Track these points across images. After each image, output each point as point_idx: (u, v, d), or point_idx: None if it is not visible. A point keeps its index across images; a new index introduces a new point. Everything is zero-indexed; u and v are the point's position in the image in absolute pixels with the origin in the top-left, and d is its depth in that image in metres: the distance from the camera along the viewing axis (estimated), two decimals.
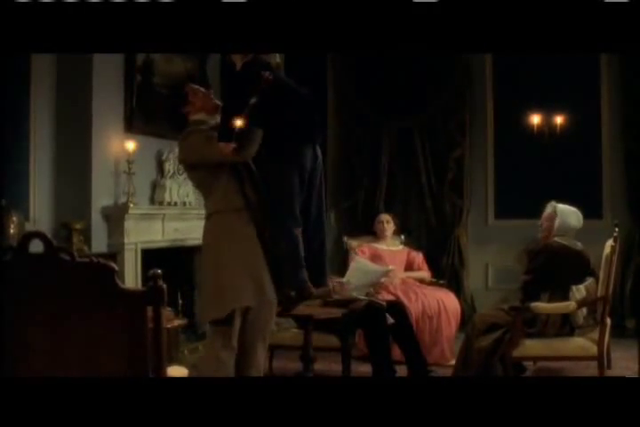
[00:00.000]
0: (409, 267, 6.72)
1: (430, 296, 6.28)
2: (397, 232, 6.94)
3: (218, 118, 4.21)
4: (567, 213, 5.26)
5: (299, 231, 4.15)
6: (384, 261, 6.44)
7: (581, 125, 7.46)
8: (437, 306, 6.24)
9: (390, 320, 5.34)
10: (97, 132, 6.12)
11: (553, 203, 5.35)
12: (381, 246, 6.70)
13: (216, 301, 4.07)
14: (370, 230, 6.98)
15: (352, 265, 5.74)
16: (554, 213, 5.23)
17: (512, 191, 7.79)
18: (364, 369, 5.47)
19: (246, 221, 4.09)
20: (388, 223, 6.77)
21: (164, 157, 6.89)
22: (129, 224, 6.28)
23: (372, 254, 6.57)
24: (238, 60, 4.15)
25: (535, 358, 5.20)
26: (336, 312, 5.04)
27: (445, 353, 6.14)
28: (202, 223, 4.25)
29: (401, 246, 6.89)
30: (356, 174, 8.06)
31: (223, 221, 4.10)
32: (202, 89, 4.38)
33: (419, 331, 5.86)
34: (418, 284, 6.56)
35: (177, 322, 5.82)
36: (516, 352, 4.76)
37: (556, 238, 5.15)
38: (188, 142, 4.23)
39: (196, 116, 4.27)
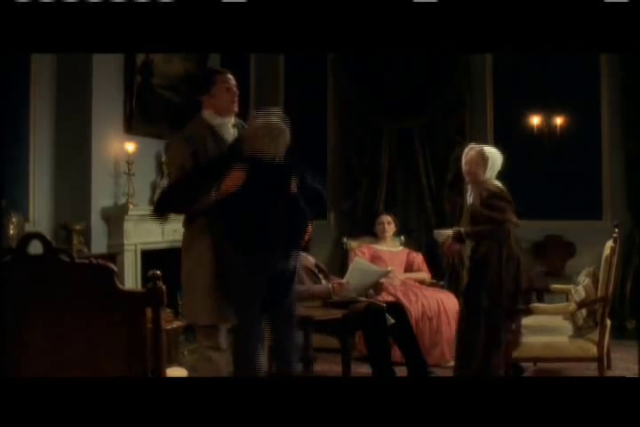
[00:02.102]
0: (409, 268, 6.72)
1: (430, 297, 6.27)
2: (397, 233, 6.94)
3: (225, 121, 4.03)
4: (496, 155, 5.05)
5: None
6: (384, 262, 6.43)
7: (581, 126, 7.47)
8: (437, 307, 6.23)
9: (390, 321, 5.33)
10: (96, 133, 6.12)
11: (473, 145, 5.13)
12: (381, 247, 6.69)
13: (184, 308, 4.13)
14: (369, 231, 6.97)
15: (351, 266, 5.74)
16: (482, 156, 4.98)
17: (512, 191, 7.74)
18: (363, 370, 5.46)
19: (208, 237, 3.93)
20: (389, 224, 6.77)
21: (163, 158, 6.88)
22: (128, 225, 6.28)
23: (371, 255, 6.57)
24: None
25: (535, 359, 5.20)
26: (336, 313, 5.04)
27: (445, 354, 6.13)
28: None
29: (401, 247, 6.89)
30: (355, 175, 8.06)
31: (192, 234, 4.01)
32: (235, 86, 4.05)
33: (418, 332, 5.85)
34: (418, 285, 6.56)
35: (176, 323, 5.81)
36: (516, 353, 4.76)
37: (495, 183, 5.00)
38: (170, 151, 4.11)
39: (204, 113, 4.02)
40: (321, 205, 4.14)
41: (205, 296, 3.92)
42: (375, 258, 6.52)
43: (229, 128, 4.08)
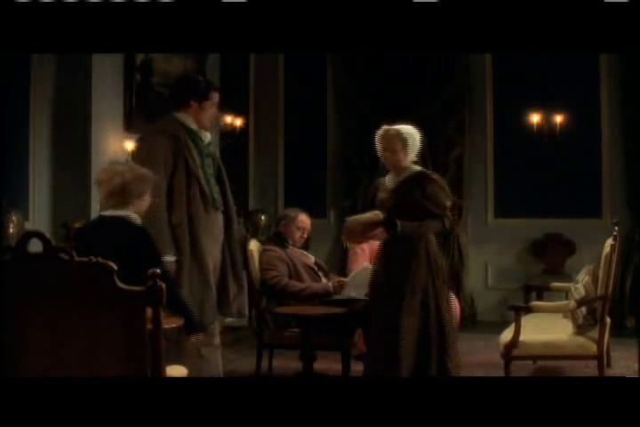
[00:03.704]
0: None
1: None
2: None
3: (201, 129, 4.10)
4: (415, 135, 4.49)
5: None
6: None
7: (581, 124, 7.46)
8: None
9: None
10: (96, 132, 6.12)
11: (387, 127, 4.50)
12: None
13: None
14: None
15: (360, 268, 5.73)
16: (400, 137, 4.43)
17: (511, 190, 7.79)
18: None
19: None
20: None
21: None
22: None
23: (371, 253, 6.57)
24: None
25: (535, 357, 5.20)
26: (335, 311, 5.04)
27: None
28: None
29: None
30: (355, 174, 8.05)
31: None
32: (215, 105, 4.14)
33: None
34: None
35: (177, 322, 5.80)
36: (516, 352, 4.76)
37: (419, 168, 4.56)
38: (145, 146, 4.12)
39: (179, 115, 4.09)
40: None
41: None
42: (375, 255, 6.52)
43: (205, 133, 4.18)
